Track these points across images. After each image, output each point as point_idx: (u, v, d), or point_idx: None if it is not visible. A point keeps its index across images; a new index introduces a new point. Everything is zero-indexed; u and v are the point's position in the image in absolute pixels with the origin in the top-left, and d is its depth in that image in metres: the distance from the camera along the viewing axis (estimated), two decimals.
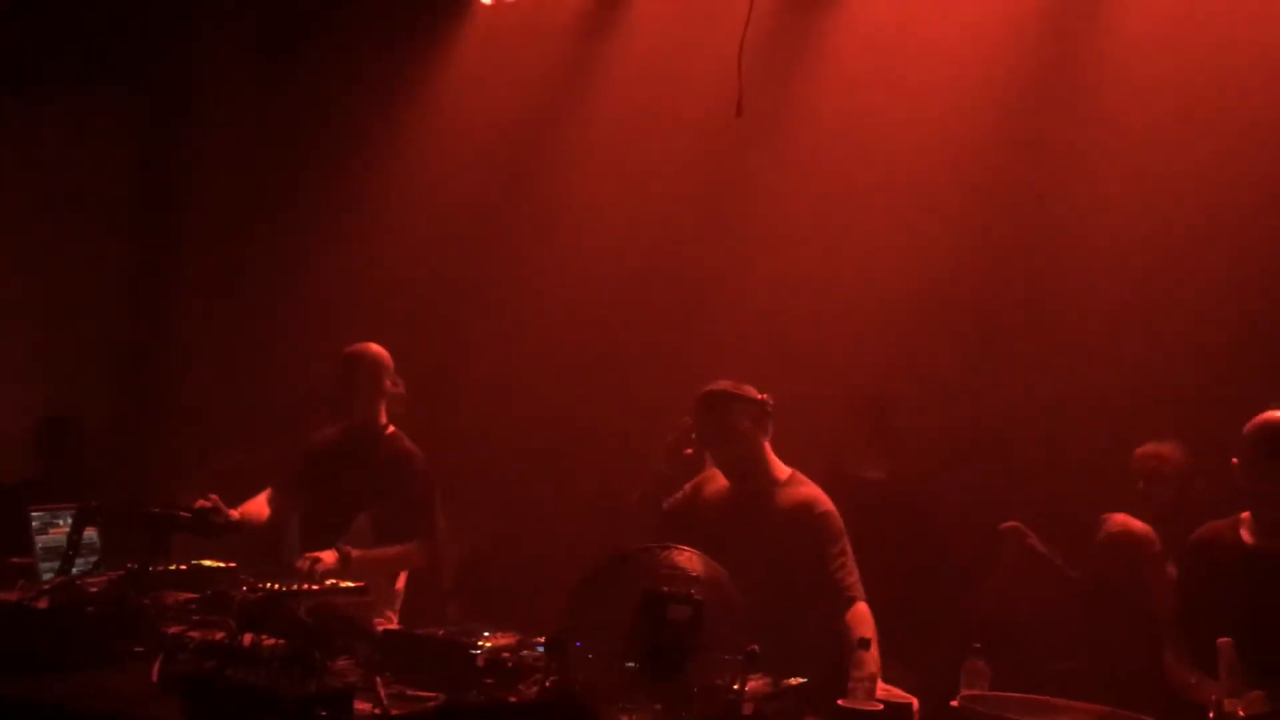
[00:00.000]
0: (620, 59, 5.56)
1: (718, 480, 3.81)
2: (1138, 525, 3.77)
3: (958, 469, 4.52)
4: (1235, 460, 3.22)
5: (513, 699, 2.90)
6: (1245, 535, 3.23)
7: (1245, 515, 3.25)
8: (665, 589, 2.90)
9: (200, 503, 3.80)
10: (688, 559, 3.03)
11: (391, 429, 4.36)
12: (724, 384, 3.70)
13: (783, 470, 3.73)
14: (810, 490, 3.69)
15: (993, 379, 4.67)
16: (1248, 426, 3.23)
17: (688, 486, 3.89)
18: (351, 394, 4.33)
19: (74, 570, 3.50)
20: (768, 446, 3.70)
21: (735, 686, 2.81)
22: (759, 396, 3.68)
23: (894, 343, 4.77)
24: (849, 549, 3.59)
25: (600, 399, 5.17)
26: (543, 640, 3.13)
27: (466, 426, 5.37)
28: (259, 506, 4.25)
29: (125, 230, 6.45)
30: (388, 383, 4.36)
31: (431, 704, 2.89)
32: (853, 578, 3.55)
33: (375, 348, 4.35)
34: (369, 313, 5.54)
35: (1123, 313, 4.53)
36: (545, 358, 5.41)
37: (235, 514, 3.95)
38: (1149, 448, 4.01)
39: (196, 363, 6.20)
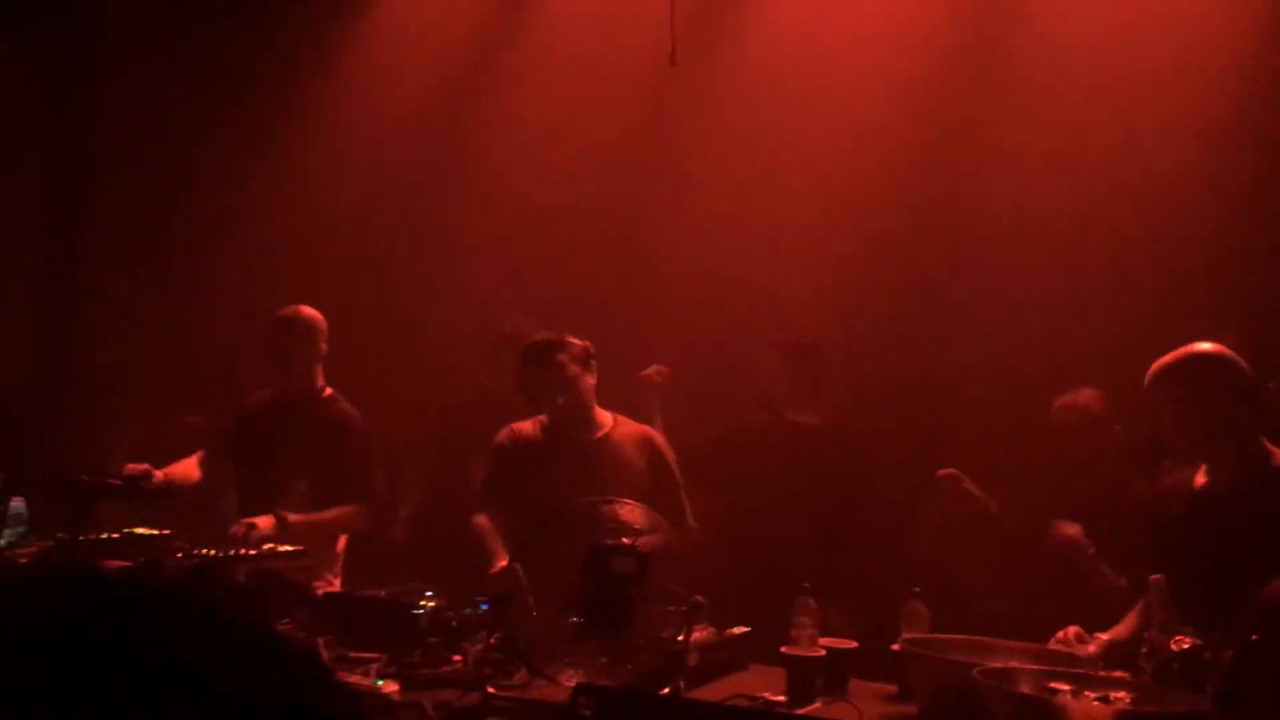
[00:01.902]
0: (553, 8, 5.49)
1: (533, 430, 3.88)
2: (1072, 531, 3.84)
3: (891, 415, 4.58)
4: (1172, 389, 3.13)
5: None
6: (1197, 476, 3.17)
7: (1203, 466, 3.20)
8: (609, 542, 2.91)
9: (131, 467, 3.71)
10: (630, 512, 3.04)
11: (329, 391, 4.30)
12: (546, 334, 3.80)
13: (605, 415, 3.86)
14: (639, 426, 3.85)
15: (921, 327, 4.74)
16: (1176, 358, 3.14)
17: (524, 425, 3.93)
18: (287, 357, 4.25)
19: (2, 541, 3.41)
20: (592, 385, 3.82)
21: (680, 638, 2.83)
22: (581, 343, 3.77)
23: (825, 292, 4.80)
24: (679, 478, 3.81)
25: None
26: (486, 599, 3.14)
27: (402, 388, 5.31)
28: (189, 469, 4.17)
29: (41, 191, 6.24)
30: (323, 345, 4.29)
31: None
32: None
33: (309, 310, 4.28)
34: (298, 273, 5.43)
35: (1045, 261, 4.60)
36: (480, 313, 5.36)
37: (160, 475, 3.86)
38: (1066, 400, 4.06)
39: (118, 326, 6.05)
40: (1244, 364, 3.03)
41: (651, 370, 4.23)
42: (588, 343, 3.80)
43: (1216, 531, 3.05)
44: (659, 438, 3.89)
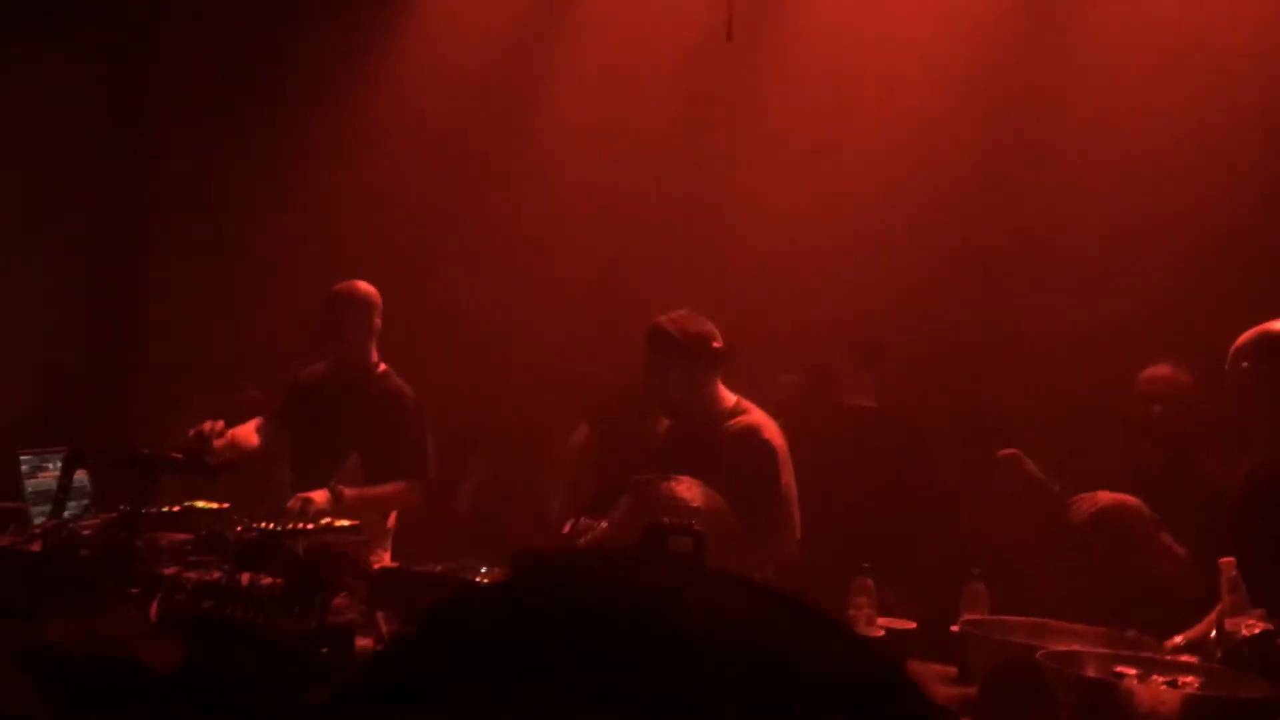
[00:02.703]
0: None
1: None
2: (1120, 498, 3.69)
3: (949, 397, 4.52)
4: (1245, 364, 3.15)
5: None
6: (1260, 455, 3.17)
7: None
8: (666, 520, 2.88)
9: (200, 428, 3.75)
10: (687, 489, 3.01)
11: (383, 367, 4.32)
12: (666, 321, 3.61)
13: (729, 398, 3.68)
14: (754, 417, 3.65)
15: (984, 306, 4.67)
16: (1256, 334, 3.16)
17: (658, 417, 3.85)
18: (341, 332, 4.28)
19: (65, 514, 3.46)
20: (715, 385, 3.66)
21: None
22: (708, 338, 3.60)
23: (885, 270, 4.75)
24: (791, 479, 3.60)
25: (588, 332, 5.13)
26: None
27: (453, 364, 5.33)
28: (249, 434, 4.19)
29: (100, 173, 6.33)
30: (377, 320, 4.31)
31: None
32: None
33: (364, 285, 4.30)
34: (352, 249, 5.46)
35: (1113, 238, 4.52)
36: (535, 291, 5.36)
37: (227, 433, 3.88)
38: (1156, 370, 3.95)
39: (178, 306, 6.13)
40: None
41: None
42: (716, 336, 3.62)
43: (1275, 513, 3.01)
44: (766, 431, 3.62)
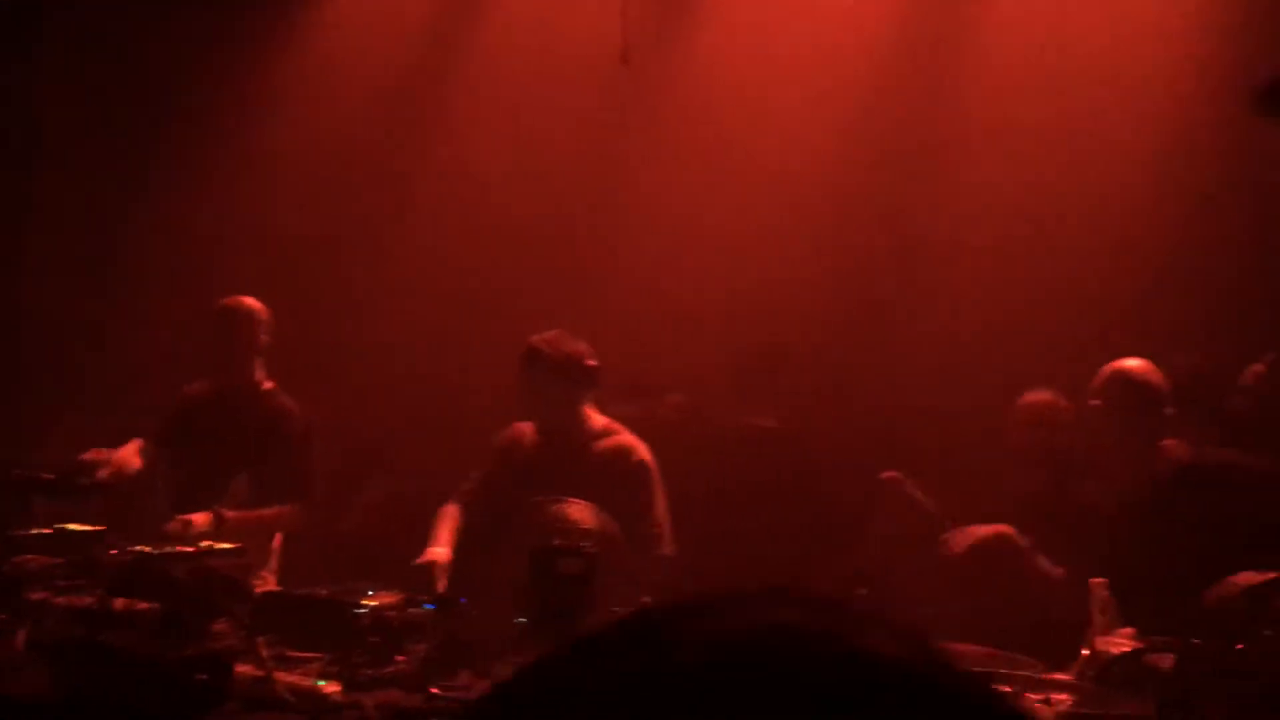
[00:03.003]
0: (504, 6, 5.45)
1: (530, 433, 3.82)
2: (993, 529, 3.81)
3: (845, 419, 4.60)
4: (1095, 403, 3.42)
5: None
6: (1120, 480, 3.39)
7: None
8: (556, 542, 2.88)
9: (84, 457, 3.63)
10: (579, 511, 3.02)
11: (269, 385, 4.22)
12: (541, 340, 3.64)
13: (598, 420, 3.74)
14: (626, 438, 3.72)
15: (875, 331, 4.76)
16: (1108, 372, 3.43)
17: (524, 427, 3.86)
18: (227, 350, 4.17)
19: None
20: (586, 406, 3.71)
21: None
22: (586, 359, 3.65)
23: (780, 296, 4.81)
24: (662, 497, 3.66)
25: (481, 354, 5.10)
26: (430, 598, 3.10)
27: (348, 382, 5.24)
28: (129, 457, 4.05)
29: None
30: (264, 337, 4.21)
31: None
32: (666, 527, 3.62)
33: (251, 301, 4.20)
34: (242, 264, 5.34)
35: (998, 269, 4.65)
36: (425, 313, 5.31)
37: (110, 469, 3.77)
38: (1036, 396, 4.08)
39: (51, 321, 5.91)
40: (1162, 379, 3.42)
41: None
42: (595, 363, 3.66)
43: (1144, 534, 3.18)
44: (641, 452, 3.70)
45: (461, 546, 3.35)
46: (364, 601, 3.12)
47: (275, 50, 5.75)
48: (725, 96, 5.03)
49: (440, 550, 3.45)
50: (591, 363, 3.65)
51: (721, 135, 5.02)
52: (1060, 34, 4.67)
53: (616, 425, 3.75)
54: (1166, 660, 2.47)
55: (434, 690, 2.71)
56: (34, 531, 3.41)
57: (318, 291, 5.47)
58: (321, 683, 2.73)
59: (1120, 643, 2.64)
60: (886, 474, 4.10)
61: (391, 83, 5.62)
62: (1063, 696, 2.51)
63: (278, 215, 5.66)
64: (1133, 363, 3.48)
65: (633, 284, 5.03)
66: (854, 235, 4.86)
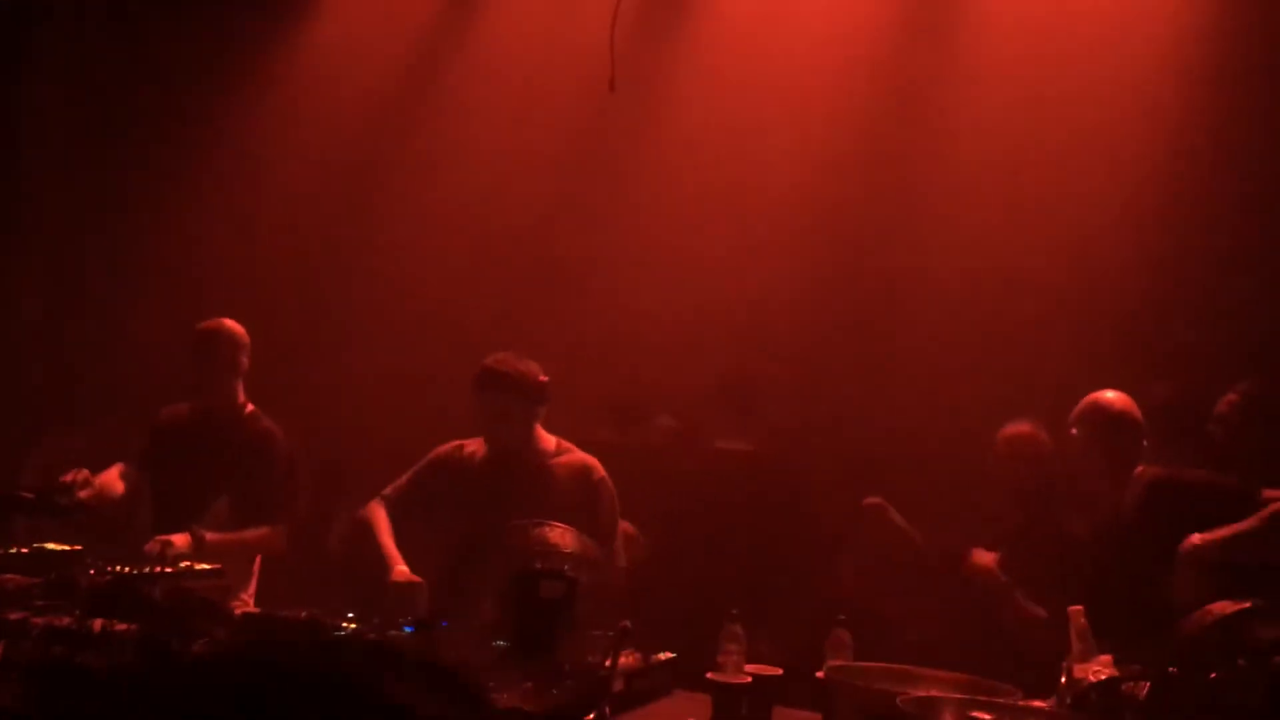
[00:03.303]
0: (493, 30, 5.48)
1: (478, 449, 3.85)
2: (985, 560, 3.90)
3: (823, 444, 4.62)
4: (1073, 432, 3.47)
5: None
6: (1097, 510, 3.44)
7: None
8: (538, 566, 2.88)
9: (65, 478, 3.62)
10: (560, 535, 3.02)
11: (250, 408, 4.21)
12: (498, 361, 3.70)
13: (549, 440, 3.79)
14: (581, 456, 3.78)
15: (855, 357, 4.78)
16: (1086, 403, 3.48)
17: (471, 444, 3.88)
18: (208, 372, 4.16)
19: None
20: (538, 425, 3.77)
21: (607, 663, 2.80)
22: (539, 378, 3.71)
23: (759, 320, 4.84)
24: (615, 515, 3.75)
25: (462, 378, 5.09)
26: (409, 621, 3.09)
27: (326, 405, 5.24)
28: (113, 481, 4.04)
29: None
30: (244, 359, 4.21)
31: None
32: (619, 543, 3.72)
33: (230, 323, 4.20)
34: (224, 287, 5.33)
35: (977, 297, 4.68)
36: (405, 336, 5.31)
37: (91, 491, 3.76)
38: (1015, 429, 4.11)
39: (31, 338, 5.88)
40: (1136, 409, 3.51)
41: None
42: (545, 379, 3.72)
43: (1119, 558, 3.22)
44: (600, 470, 3.79)
45: (440, 569, 3.34)
46: (344, 624, 3.11)
47: (263, 66, 5.77)
48: (712, 122, 5.07)
49: (405, 569, 3.48)
50: (544, 379, 3.70)
51: (707, 161, 5.06)
52: (1047, 54, 4.71)
53: (566, 443, 3.82)
54: (1143, 689, 2.49)
55: None
56: (12, 550, 3.40)
57: (296, 314, 5.47)
58: None
59: (1098, 670, 2.66)
60: (869, 500, 4.12)
61: (378, 104, 5.65)
62: None
63: (259, 235, 5.66)
64: (1110, 394, 3.55)
65: (616, 307, 5.06)
66: (838, 261, 4.89)
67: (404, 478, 3.90)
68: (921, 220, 4.82)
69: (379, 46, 5.68)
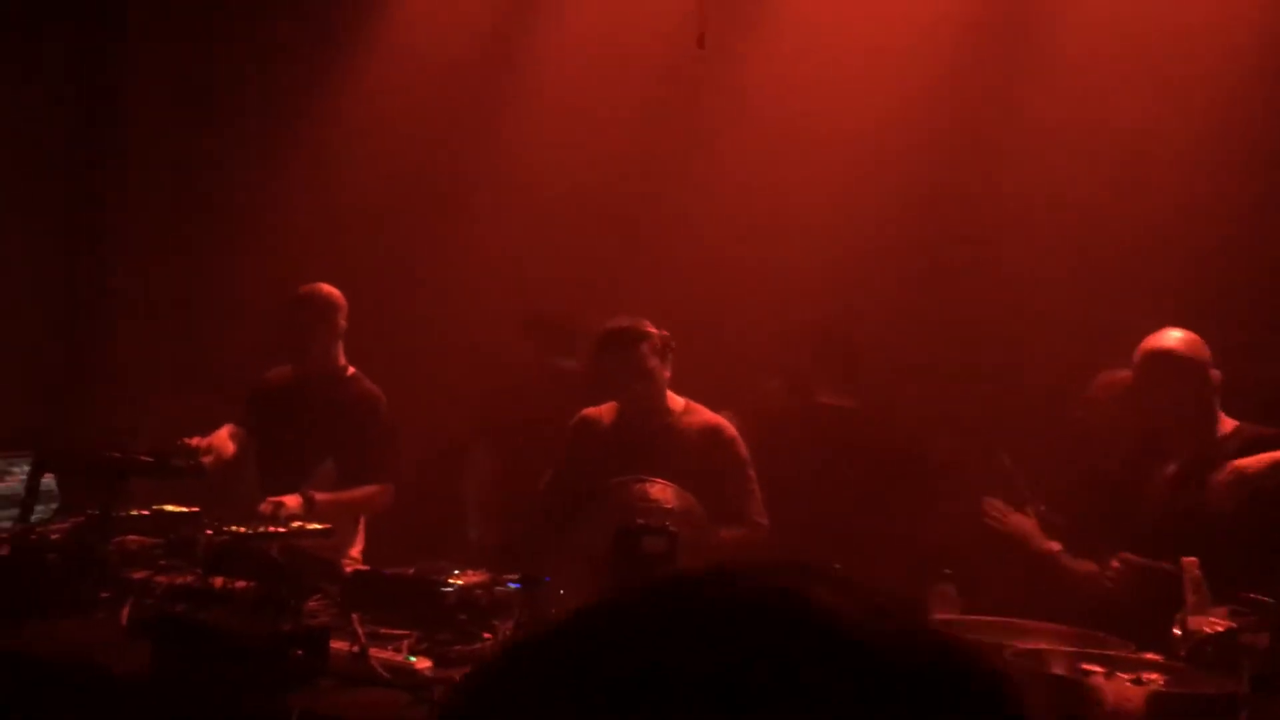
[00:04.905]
0: None
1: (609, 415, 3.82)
2: (1028, 527, 3.78)
3: (923, 397, 4.57)
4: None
5: None
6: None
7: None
8: (640, 522, 2.91)
9: (187, 442, 3.75)
10: (661, 491, 3.04)
11: (351, 370, 4.30)
12: (626, 321, 3.67)
13: (678, 401, 3.75)
14: (711, 415, 3.73)
15: (953, 309, 4.71)
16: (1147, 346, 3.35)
17: (597, 411, 3.87)
18: (306, 337, 4.25)
19: (33, 518, 3.43)
20: (667, 378, 3.72)
21: None
22: (660, 332, 3.67)
23: (852, 275, 4.78)
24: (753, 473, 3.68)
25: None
26: (515, 578, 3.14)
27: (421, 370, 5.31)
28: (225, 442, 4.15)
29: (62, 175, 6.26)
30: (342, 322, 4.29)
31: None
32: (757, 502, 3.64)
33: (326, 287, 4.28)
34: (318, 253, 5.43)
35: (1079, 241, 4.58)
36: (499, 299, 5.36)
37: (206, 446, 3.89)
38: (1115, 374, 4.00)
39: (145, 309, 6.07)
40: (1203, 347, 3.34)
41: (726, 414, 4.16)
42: (666, 332, 3.68)
43: (1226, 510, 3.14)
44: (730, 429, 3.73)
45: (546, 526, 3.39)
46: (450, 580, 3.18)
47: (351, 43, 5.83)
48: (800, 78, 5.00)
49: None
50: (665, 333, 3.69)
51: (797, 116, 4.99)
52: (1133, 26, 4.59)
53: (695, 404, 3.77)
54: (1262, 639, 2.44)
55: None
56: (133, 513, 3.53)
57: (391, 278, 5.54)
58: (413, 658, 2.79)
59: (1214, 622, 2.61)
60: (988, 501, 4.00)
61: (464, 71, 5.66)
62: (1154, 676, 2.49)
63: (351, 201, 5.75)
64: (1174, 334, 3.38)
65: (704, 266, 5.04)
66: (930, 213, 4.82)
67: (549, 471, 3.88)
68: (1019, 168, 4.72)
69: (462, 9, 5.70)
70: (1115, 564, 2.99)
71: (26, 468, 3.58)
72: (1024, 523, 3.73)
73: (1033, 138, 4.68)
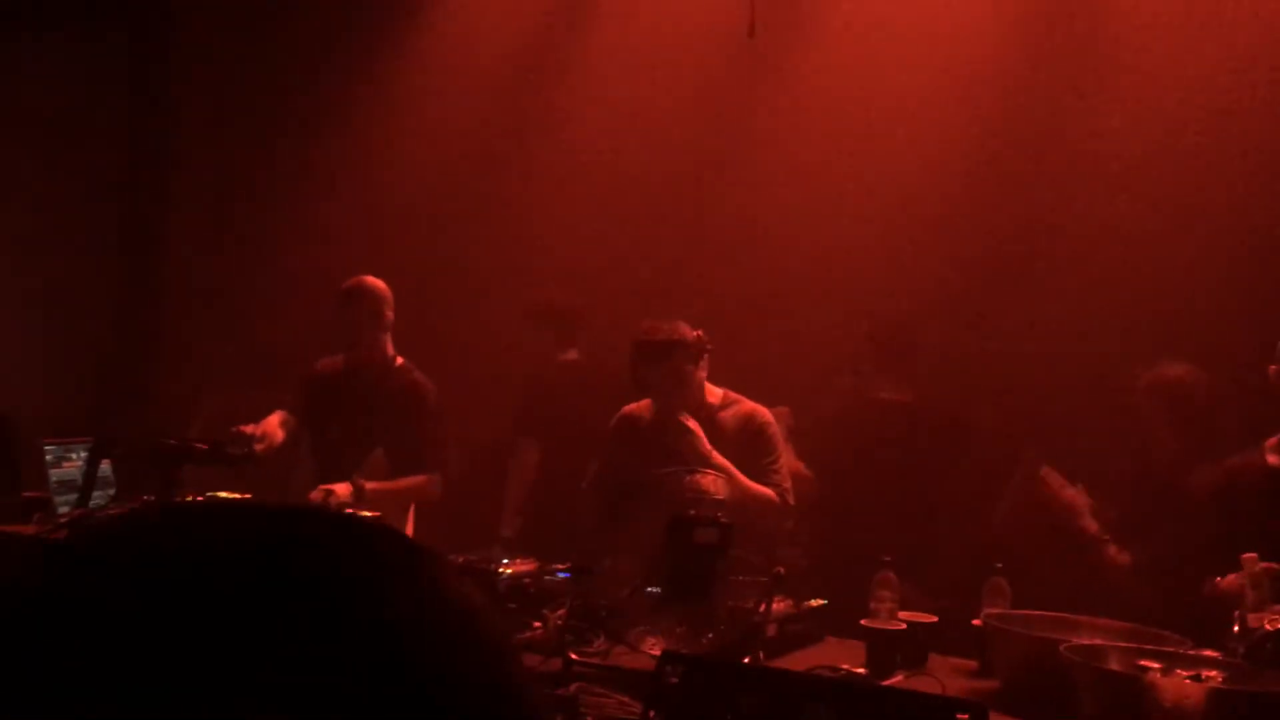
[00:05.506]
0: None
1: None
2: (1071, 499, 3.77)
3: (979, 392, 4.52)
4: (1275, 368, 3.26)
5: None
6: (1270, 458, 3.27)
7: (1271, 441, 3.30)
8: (692, 512, 2.91)
9: (241, 430, 3.80)
10: (712, 482, 3.04)
11: (400, 360, 4.33)
12: (662, 331, 3.65)
13: (715, 393, 3.76)
14: (749, 405, 3.74)
15: (1007, 303, 4.65)
16: None
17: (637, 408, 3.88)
18: (354, 326, 4.29)
19: (91, 504, 3.48)
20: (703, 378, 3.73)
21: (760, 608, 2.83)
22: (695, 334, 3.66)
23: (907, 268, 4.75)
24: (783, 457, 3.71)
25: (610, 333, 5.13)
26: (565, 566, 3.16)
27: (469, 361, 5.33)
28: (275, 429, 4.20)
29: (119, 172, 6.37)
30: (389, 313, 4.32)
31: None
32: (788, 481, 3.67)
33: (372, 279, 4.31)
34: (367, 246, 5.47)
35: (1131, 233, 4.51)
36: (552, 288, 5.36)
37: (259, 433, 3.94)
38: (1169, 371, 3.91)
39: (199, 300, 6.15)
40: None
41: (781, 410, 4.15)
42: (701, 333, 3.68)
43: None
44: (764, 414, 3.74)
45: (597, 517, 3.40)
46: (501, 569, 3.19)
47: (402, 32, 5.86)
48: (852, 69, 4.95)
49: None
50: (698, 334, 3.69)
51: (850, 106, 4.95)
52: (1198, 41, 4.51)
53: (734, 394, 3.78)
54: None
55: (572, 655, 2.76)
56: (187, 498, 3.57)
57: (439, 271, 5.57)
58: None
59: (1274, 619, 2.57)
60: (1045, 470, 3.98)
61: (515, 61, 5.67)
62: (1212, 673, 2.45)
63: (402, 195, 5.78)
64: None
65: (755, 257, 5.01)
66: (985, 208, 4.76)
67: (593, 466, 3.90)
68: (1077, 165, 4.65)
69: (509, 3, 5.71)
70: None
71: (85, 454, 3.64)
72: (1077, 497, 3.73)
73: (1094, 124, 4.61)
